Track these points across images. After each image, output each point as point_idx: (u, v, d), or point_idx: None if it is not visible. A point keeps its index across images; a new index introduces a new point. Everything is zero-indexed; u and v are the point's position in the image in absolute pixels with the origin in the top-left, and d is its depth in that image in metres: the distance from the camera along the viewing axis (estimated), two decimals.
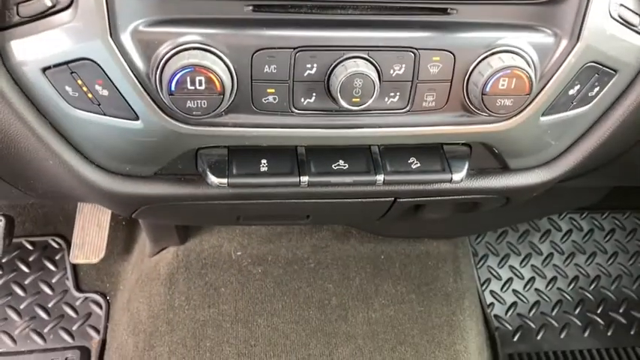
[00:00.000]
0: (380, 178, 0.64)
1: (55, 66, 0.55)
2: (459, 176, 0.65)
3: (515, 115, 0.62)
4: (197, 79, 0.53)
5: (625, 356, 1.39)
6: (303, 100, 0.58)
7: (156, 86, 0.55)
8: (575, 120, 0.66)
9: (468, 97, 0.59)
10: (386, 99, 0.59)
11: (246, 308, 1.09)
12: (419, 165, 0.65)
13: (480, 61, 0.58)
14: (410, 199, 0.72)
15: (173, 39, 0.54)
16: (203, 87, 0.54)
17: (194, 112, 0.55)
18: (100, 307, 1.34)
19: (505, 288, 1.48)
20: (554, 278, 1.49)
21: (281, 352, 1.04)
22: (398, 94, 0.59)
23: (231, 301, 1.10)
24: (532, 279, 1.49)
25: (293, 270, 1.15)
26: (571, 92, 0.63)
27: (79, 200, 1.00)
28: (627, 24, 0.61)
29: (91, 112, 0.58)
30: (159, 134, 0.59)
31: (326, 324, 1.08)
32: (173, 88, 0.54)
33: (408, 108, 0.60)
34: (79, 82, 0.56)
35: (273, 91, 0.58)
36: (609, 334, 1.42)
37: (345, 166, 0.64)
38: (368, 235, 1.20)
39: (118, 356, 1.12)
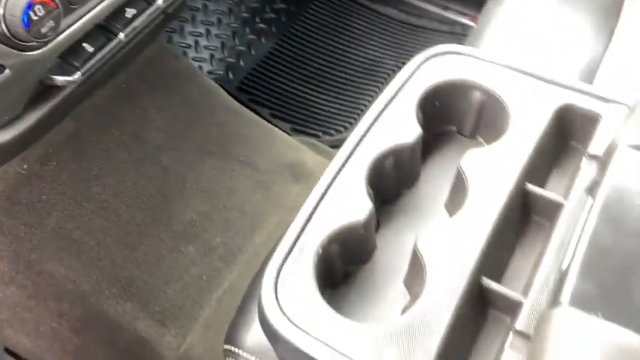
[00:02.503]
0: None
1: None
2: None
3: None
4: (37, 8, 0.66)
5: None
6: None
7: (4, 32, 0.66)
8: None
9: None
10: None
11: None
12: None
13: None
14: None
15: None
16: (44, 12, 0.67)
17: (49, 34, 0.68)
18: None
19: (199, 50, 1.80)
20: (218, 21, 1.85)
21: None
22: None
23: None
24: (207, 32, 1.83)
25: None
26: None
27: None
28: None
29: None
30: (24, 71, 0.70)
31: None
32: (29, 27, 0.66)
33: None
34: None
35: None
36: None
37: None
38: None
39: None
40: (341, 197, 0.69)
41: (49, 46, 0.72)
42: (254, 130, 1.43)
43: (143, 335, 1.11)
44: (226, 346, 0.78)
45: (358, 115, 1.73)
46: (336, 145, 1.61)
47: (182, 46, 1.78)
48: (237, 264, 1.22)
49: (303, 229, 0.66)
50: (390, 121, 0.76)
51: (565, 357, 0.49)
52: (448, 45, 0.85)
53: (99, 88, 1.21)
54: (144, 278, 1.17)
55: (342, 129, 1.71)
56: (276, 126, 1.59)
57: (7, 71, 0.69)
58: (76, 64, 0.78)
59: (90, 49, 0.79)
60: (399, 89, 0.79)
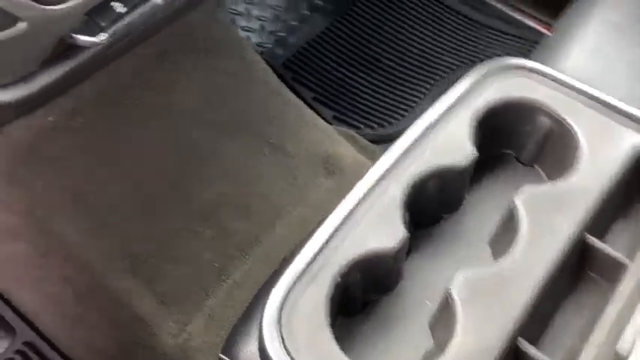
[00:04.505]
0: None
1: None
2: None
3: None
4: None
5: None
6: None
7: None
8: None
9: None
10: None
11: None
12: None
13: None
14: None
15: None
16: None
17: None
18: None
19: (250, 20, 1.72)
20: None
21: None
22: None
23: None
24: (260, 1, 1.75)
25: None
26: None
27: None
28: None
29: None
30: (43, 26, 0.63)
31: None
32: None
33: None
34: None
35: None
36: None
37: None
38: None
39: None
40: (371, 217, 0.61)
41: (74, 1, 0.65)
42: (292, 112, 1.34)
43: (144, 316, 1.05)
44: (222, 356, 0.71)
45: (406, 111, 1.63)
46: (377, 141, 1.51)
47: (232, 13, 1.70)
48: (252, 254, 1.14)
49: (321, 249, 0.58)
50: (442, 136, 0.67)
51: None
52: (517, 58, 0.74)
53: (135, 47, 1.15)
54: (153, 255, 1.10)
55: (385, 124, 1.61)
56: (316, 111, 1.51)
57: (23, 24, 0.62)
58: (103, 24, 0.71)
59: (121, 9, 0.72)
60: (457, 101, 0.69)
